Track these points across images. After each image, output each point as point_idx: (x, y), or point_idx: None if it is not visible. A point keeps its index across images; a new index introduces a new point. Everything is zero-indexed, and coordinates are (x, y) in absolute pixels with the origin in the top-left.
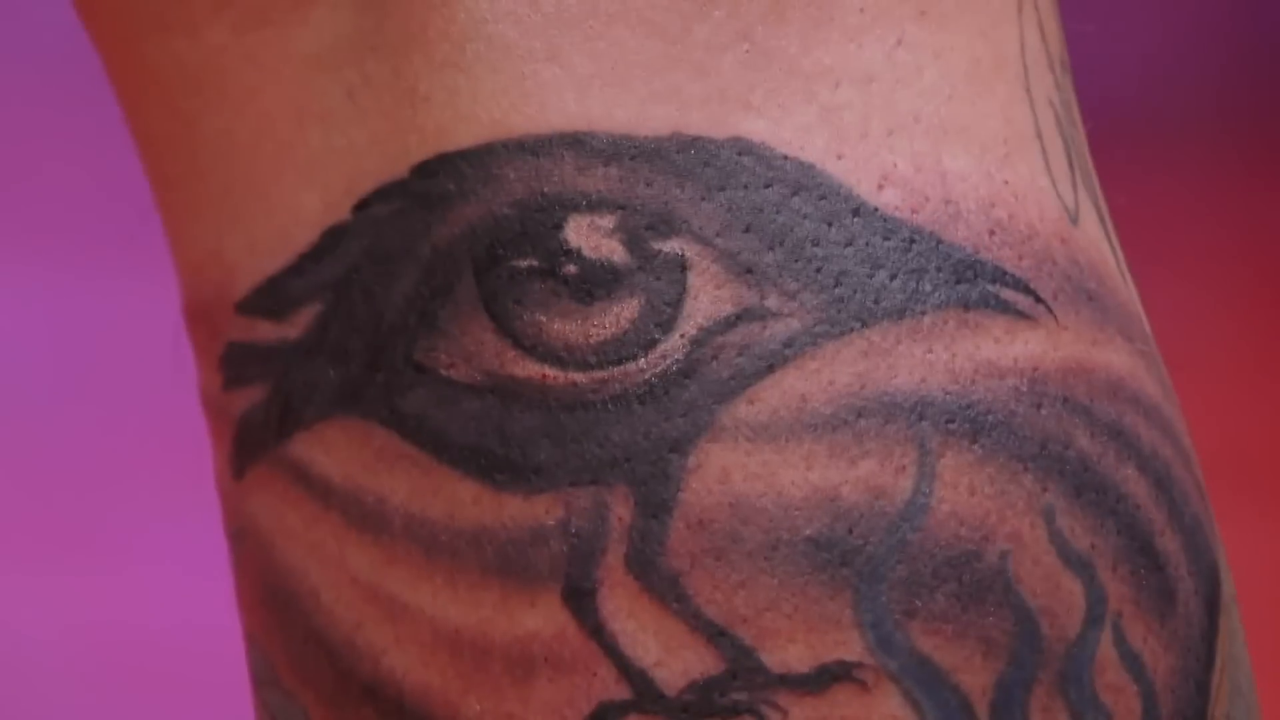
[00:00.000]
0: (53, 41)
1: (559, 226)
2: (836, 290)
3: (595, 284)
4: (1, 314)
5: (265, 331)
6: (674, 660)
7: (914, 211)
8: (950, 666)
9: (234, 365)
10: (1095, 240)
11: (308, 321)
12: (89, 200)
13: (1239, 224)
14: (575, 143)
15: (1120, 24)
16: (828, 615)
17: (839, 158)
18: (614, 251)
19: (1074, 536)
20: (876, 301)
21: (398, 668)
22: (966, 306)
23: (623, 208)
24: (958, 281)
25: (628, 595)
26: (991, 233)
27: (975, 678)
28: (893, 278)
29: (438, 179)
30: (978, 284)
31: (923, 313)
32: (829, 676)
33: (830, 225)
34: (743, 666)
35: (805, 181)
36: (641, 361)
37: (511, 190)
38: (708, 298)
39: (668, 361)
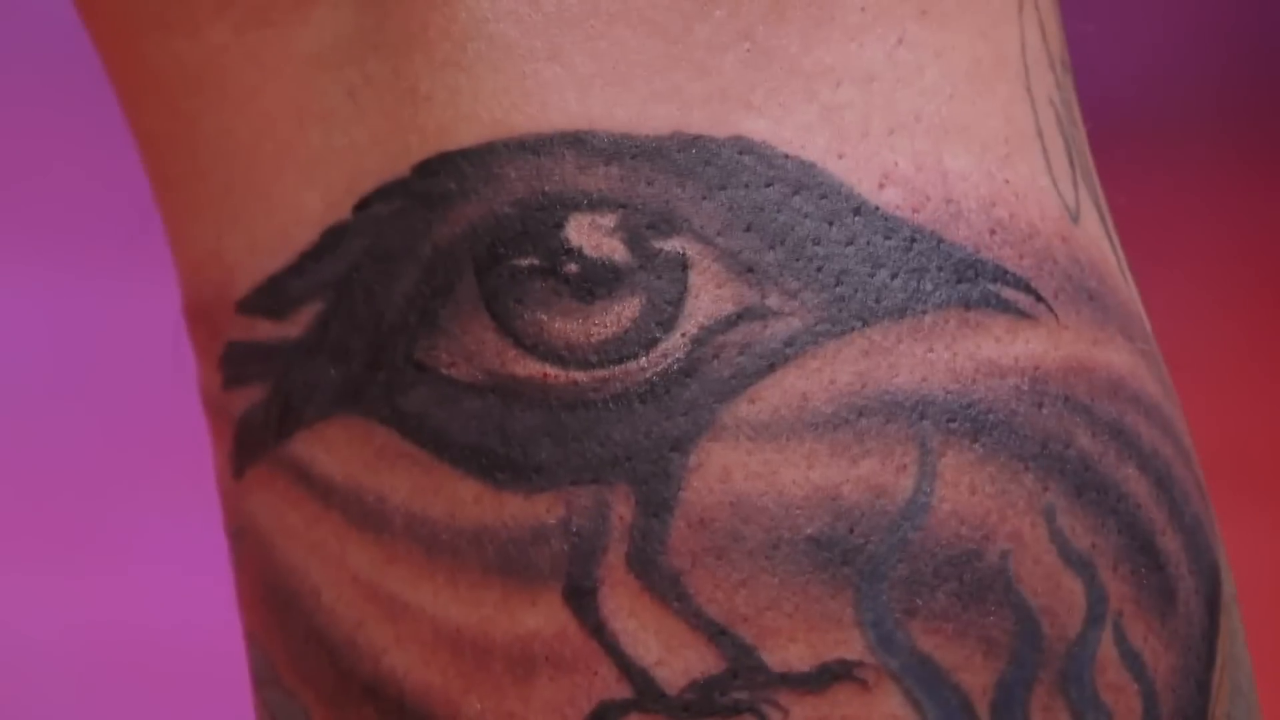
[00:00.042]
0: (53, 41)
1: (560, 225)
2: (837, 289)
3: (596, 283)
4: (1, 314)
5: (266, 330)
6: (675, 659)
7: (915, 211)
8: (951, 666)
9: (234, 364)
10: (1096, 239)
11: (308, 320)
12: (89, 200)
13: (1239, 223)
14: (576, 142)
15: (1121, 24)
16: (828, 614)
17: (840, 157)
18: (615, 250)
19: (1075, 536)
20: (878, 300)
21: (398, 667)
22: (967, 305)
23: (624, 207)
24: (959, 280)
25: (629, 594)
26: (992, 232)
27: (976, 677)
28: (894, 277)
29: (439, 178)
30: (979, 283)
31: (924, 312)
32: (830, 675)
33: (831, 224)
34: (744, 665)
35: (806, 180)
36: (642, 360)
37: (512, 189)
38: (709, 297)
39: (669, 360)
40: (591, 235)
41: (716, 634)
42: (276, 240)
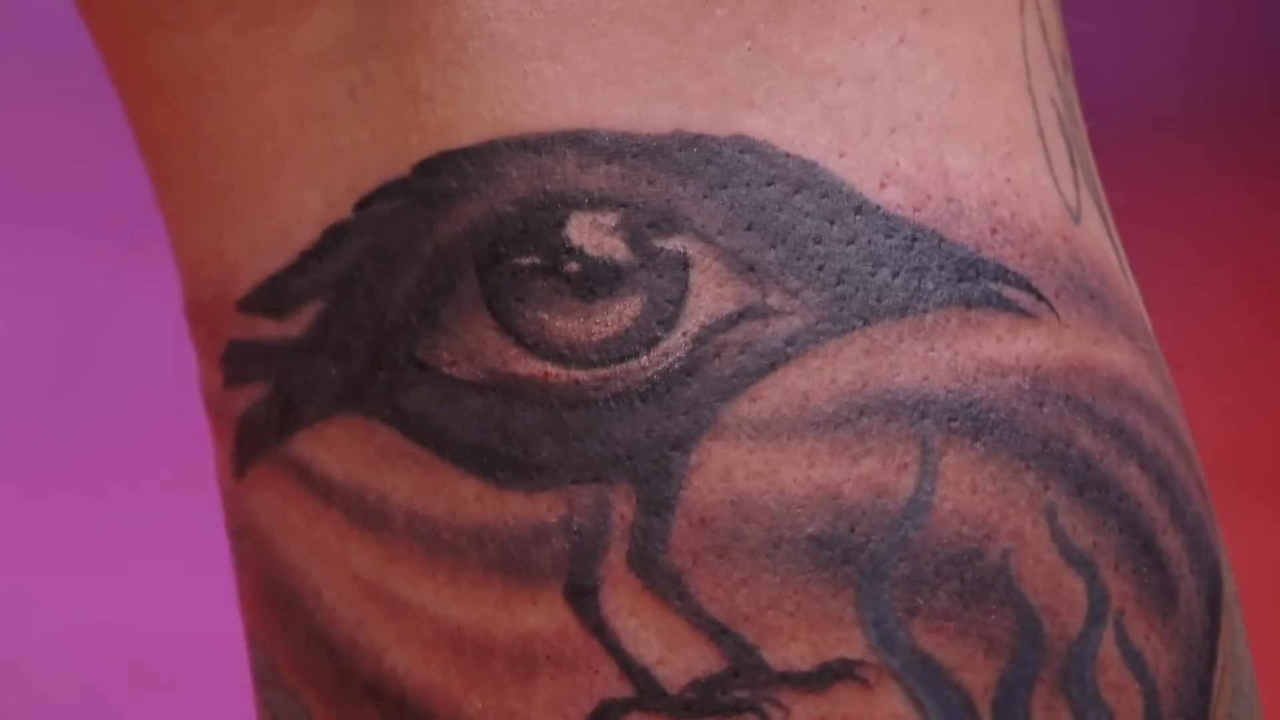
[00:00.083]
0: (54, 40)
1: (561, 224)
2: (839, 288)
3: (597, 282)
4: (1, 314)
5: (267, 329)
6: (676, 658)
7: (916, 210)
8: (952, 665)
9: (235, 363)
10: (1097, 238)
11: (309, 319)
12: (90, 199)
13: (1240, 223)
14: (577, 140)
15: (1122, 23)
16: (830, 613)
17: (841, 156)
18: (616, 249)
19: (1076, 535)
20: (879, 299)
21: (399, 666)
22: (969, 304)
23: (625, 205)
24: (960, 279)
25: (630, 593)
26: (994, 231)
27: (977, 676)
28: (895, 276)
29: (440, 177)
30: (980, 282)
31: (925, 311)
32: (831, 674)
33: (832, 223)
34: (745, 664)
35: (807, 179)
36: (644, 359)
37: (514, 188)
38: (710, 296)
39: (670, 359)
40: (593, 234)
41: (718, 633)
42: (277, 239)
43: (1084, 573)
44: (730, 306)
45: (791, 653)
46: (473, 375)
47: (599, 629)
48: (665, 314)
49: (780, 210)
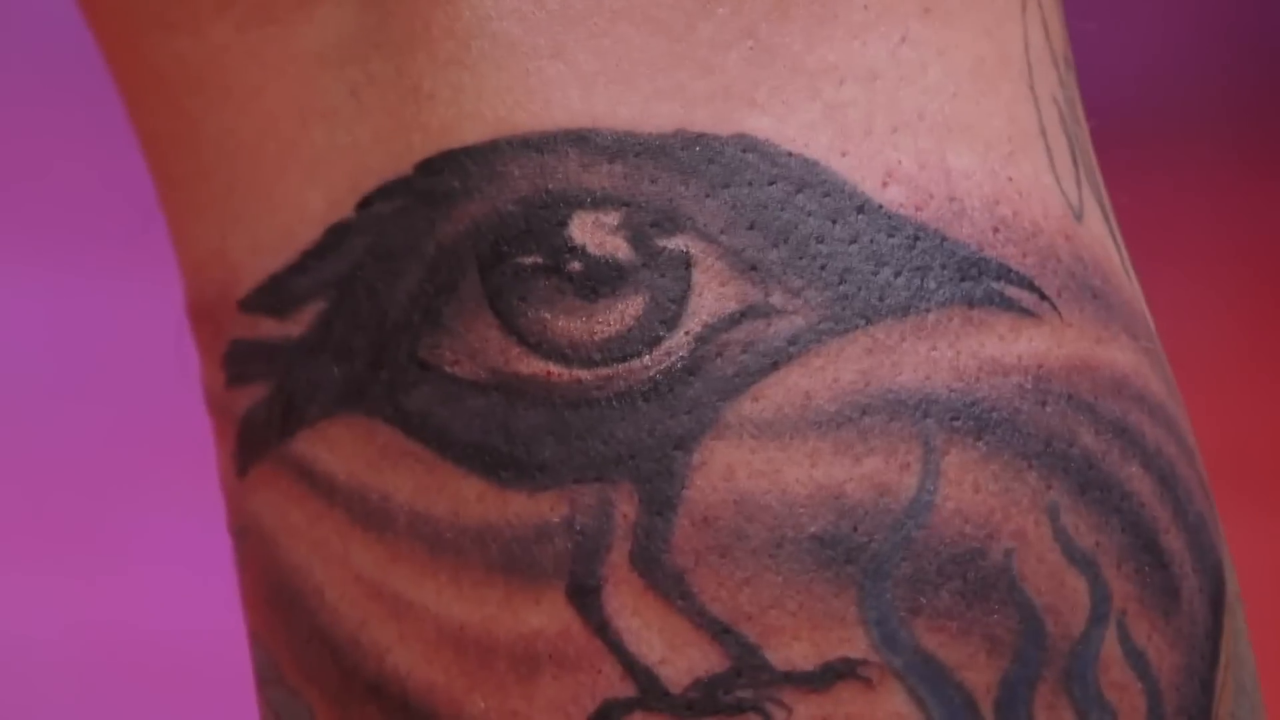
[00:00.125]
0: (55, 40)
1: (564, 223)
2: (841, 287)
3: (600, 281)
4: (2, 314)
5: (269, 329)
6: (679, 658)
7: (918, 209)
8: (955, 664)
9: (237, 363)
10: (1099, 237)
11: (311, 319)
12: (91, 199)
13: (1241, 223)
14: (580, 140)
15: (1123, 23)
16: (832, 613)
17: (843, 155)
18: (618, 248)
19: (1078, 534)
20: (881, 299)
21: (402, 665)
22: (971, 304)
23: (627, 205)
24: (962, 279)
25: (632, 592)
26: (996, 230)
27: (980, 675)
28: (897, 275)
29: (442, 176)
30: (982, 281)
31: (927, 310)
32: (833, 674)
33: (834, 222)
34: (747, 664)
35: (809, 179)
36: (646, 358)
37: (516, 187)
38: (712, 295)
39: (672, 359)
40: (595, 233)
41: (720, 632)
42: (279, 239)
43: (1086, 572)
44: (732, 306)
45: (794, 652)
46: (475, 375)
47: (602, 628)
48: (668, 313)
49: (782, 209)
